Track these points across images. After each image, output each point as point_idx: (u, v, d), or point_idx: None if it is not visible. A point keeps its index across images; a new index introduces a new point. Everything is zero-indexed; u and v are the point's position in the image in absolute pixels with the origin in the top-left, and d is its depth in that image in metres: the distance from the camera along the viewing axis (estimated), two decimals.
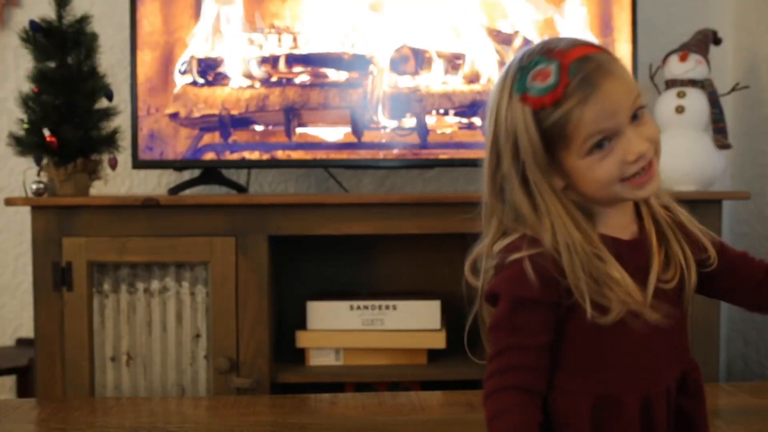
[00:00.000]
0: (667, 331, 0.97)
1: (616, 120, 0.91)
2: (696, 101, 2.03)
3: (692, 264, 0.98)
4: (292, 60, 2.02)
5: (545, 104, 0.92)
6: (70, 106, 1.90)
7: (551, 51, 0.93)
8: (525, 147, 0.94)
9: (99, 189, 2.06)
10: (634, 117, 0.92)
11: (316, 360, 1.99)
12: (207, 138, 2.01)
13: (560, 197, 0.95)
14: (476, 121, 2.04)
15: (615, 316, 0.92)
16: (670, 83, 2.06)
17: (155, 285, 1.91)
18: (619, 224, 0.98)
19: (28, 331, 2.26)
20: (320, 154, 2.03)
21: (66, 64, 1.91)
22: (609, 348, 0.95)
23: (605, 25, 2.07)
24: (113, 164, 1.98)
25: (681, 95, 2.03)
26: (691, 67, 2.04)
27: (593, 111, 0.90)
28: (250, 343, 1.87)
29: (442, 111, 2.04)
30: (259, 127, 2.01)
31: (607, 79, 0.91)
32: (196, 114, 2.00)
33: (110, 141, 1.97)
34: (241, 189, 2.13)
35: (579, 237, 0.93)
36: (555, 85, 0.91)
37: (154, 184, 2.31)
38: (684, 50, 2.06)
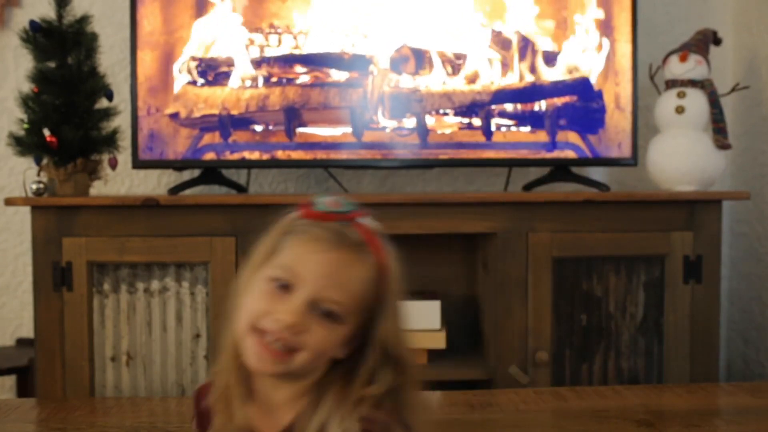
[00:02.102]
0: None
1: (300, 280, 0.89)
2: (696, 101, 2.03)
3: None
4: (293, 60, 2.02)
5: (305, 212, 0.94)
6: (70, 106, 1.90)
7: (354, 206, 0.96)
8: (262, 244, 0.96)
9: (99, 189, 2.06)
10: (325, 314, 0.89)
11: None
12: (207, 138, 2.01)
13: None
14: (476, 121, 2.04)
15: None
16: (670, 83, 2.06)
17: (155, 285, 1.91)
18: (272, 409, 0.94)
19: (28, 331, 2.26)
20: (320, 154, 2.03)
21: (66, 64, 1.91)
22: None
23: (605, 25, 2.07)
24: (113, 164, 1.98)
25: (681, 95, 2.03)
26: (691, 67, 2.04)
27: (302, 253, 0.91)
28: None
29: (442, 111, 2.04)
30: (259, 127, 2.01)
31: (335, 255, 0.90)
32: (196, 114, 2.00)
33: (110, 141, 1.97)
34: (241, 189, 2.13)
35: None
36: (325, 210, 0.93)
37: (154, 184, 2.32)
38: (684, 50, 2.06)
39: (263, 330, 0.89)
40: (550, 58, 2.06)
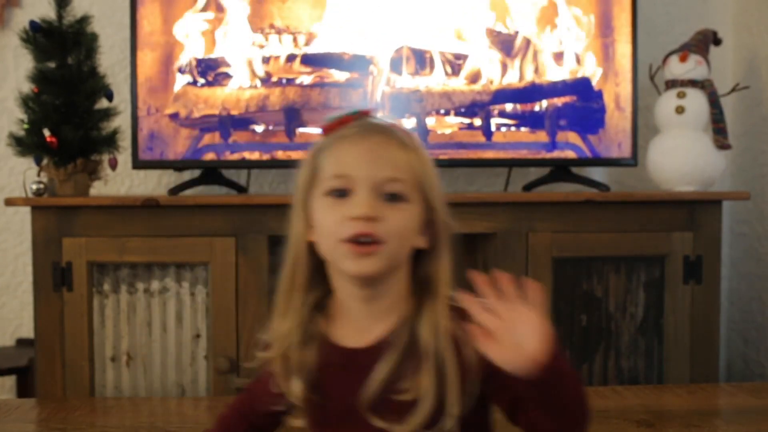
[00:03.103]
0: None
1: (353, 177, 0.92)
2: (696, 101, 2.03)
3: (453, 385, 0.90)
4: (293, 60, 2.02)
5: (324, 130, 0.97)
6: (70, 106, 1.90)
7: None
8: (301, 174, 0.99)
9: (99, 189, 2.06)
10: (391, 198, 0.92)
11: None
12: (207, 138, 2.01)
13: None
14: (476, 121, 2.04)
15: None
16: (670, 83, 2.06)
17: (155, 285, 1.91)
18: (359, 328, 0.95)
19: (28, 331, 2.26)
20: None
21: (66, 64, 1.91)
22: None
23: (605, 25, 2.07)
24: (113, 164, 1.98)
25: (681, 95, 2.03)
26: (691, 67, 2.04)
27: (342, 155, 0.93)
28: (250, 344, 1.87)
29: (442, 111, 2.04)
30: (259, 128, 2.01)
31: (370, 141, 0.93)
32: (196, 114, 2.00)
33: (110, 141, 1.97)
34: (241, 189, 2.13)
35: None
36: (338, 117, 0.97)
37: (154, 184, 2.31)
38: (684, 50, 2.06)
39: (348, 237, 0.91)
40: (550, 58, 2.06)
